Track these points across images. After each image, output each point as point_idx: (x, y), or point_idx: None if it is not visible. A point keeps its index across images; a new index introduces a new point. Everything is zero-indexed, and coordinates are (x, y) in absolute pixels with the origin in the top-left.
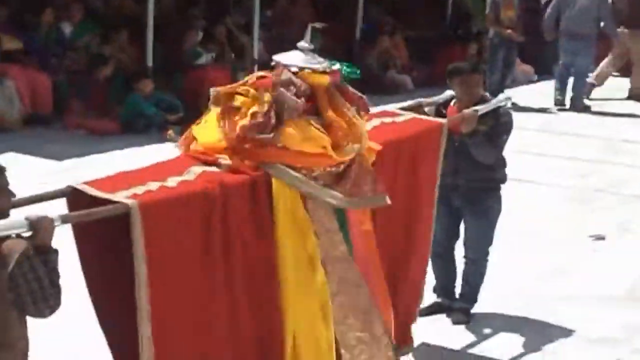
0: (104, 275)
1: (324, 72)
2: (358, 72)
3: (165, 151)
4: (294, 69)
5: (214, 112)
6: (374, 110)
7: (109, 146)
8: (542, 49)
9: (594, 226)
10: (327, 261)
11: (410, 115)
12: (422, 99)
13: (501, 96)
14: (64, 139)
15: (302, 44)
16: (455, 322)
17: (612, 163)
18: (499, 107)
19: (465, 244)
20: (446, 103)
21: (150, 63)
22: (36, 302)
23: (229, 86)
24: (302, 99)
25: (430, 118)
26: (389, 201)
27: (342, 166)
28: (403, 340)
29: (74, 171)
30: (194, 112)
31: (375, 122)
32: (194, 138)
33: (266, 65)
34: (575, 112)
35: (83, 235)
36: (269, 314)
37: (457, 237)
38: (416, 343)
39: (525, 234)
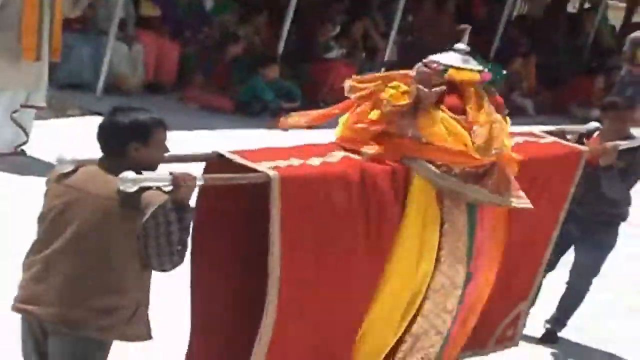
0: (219, 243)
1: (474, 71)
2: (504, 72)
3: (274, 137)
4: (442, 67)
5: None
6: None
7: (219, 124)
8: None
9: None
10: (447, 260)
11: (553, 138)
12: (565, 127)
13: None
14: (178, 110)
15: (458, 45)
16: (541, 340)
17: None
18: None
19: (572, 271)
20: (589, 134)
21: (281, 49)
22: (160, 255)
23: (370, 77)
24: (437, 89)
25: (572, 144)
26: (530, 205)
27: (482, 169)
28: (476, 344)
29: (181, 144)
30: (312, 103)
31: (519, 139)
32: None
33: (395, 69)
34: None
35: (211, 199)
36: (364, 299)
37: (552, 269)
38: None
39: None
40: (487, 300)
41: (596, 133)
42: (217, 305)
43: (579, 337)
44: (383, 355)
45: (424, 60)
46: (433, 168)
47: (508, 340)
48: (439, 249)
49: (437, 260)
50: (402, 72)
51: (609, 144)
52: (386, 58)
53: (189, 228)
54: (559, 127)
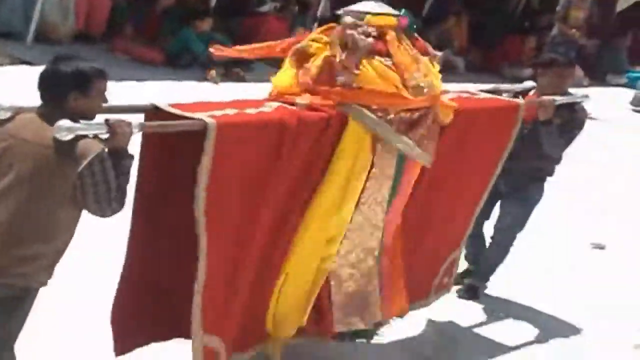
0: (159, 191)
1: (391, 15)
2: (415, 27)
3: (203, 90)
4: (360, 14)
5: (288, 60)
6: None
7: (149, 75)
8: (602, 57)
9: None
10: (367, 201)
11: (489, 95)
12: (500, 85)
13: (580, 92)
14: (107, 60)
15: None
16: (460, 297)
17: None
18: (576, 102)
19: (496, 226)
20: (524, 92)
21: (214, 2)
22: (100, 201)
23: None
24: (371, 39)
25: (509, 98)
26: (429, 164)
27: (416, 114)
28: (417, 295)
29: (109, 95)
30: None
31: (453, 95)
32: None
33: (328, 22)
34: None
35: (151, 148)
36: (288, 235)
37: (488, 218)
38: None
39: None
40: (426, 253)
41: (532, 92)
42: (154, 255)
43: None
44: (304, 305)
45: (343, 10)
46: (369, 113)
47: (444, 287)
48: (363, 190)
49: (359, 201)
50: (327, 26)
51: (546, 98)
52: (319, 13)
53: (128, 175)
54: (494, 85)
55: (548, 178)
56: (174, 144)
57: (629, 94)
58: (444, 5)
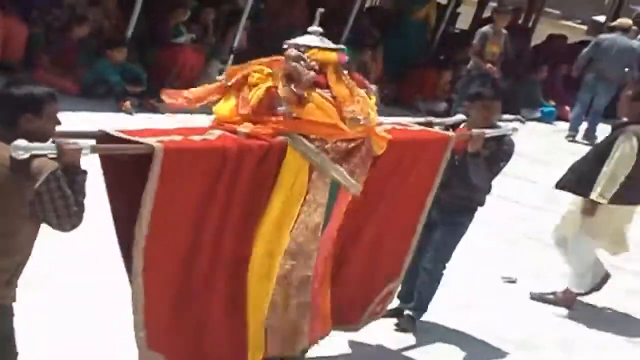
0: (122, 206)
1: (332, 50)
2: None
3: (118, 121)
4: (303, 48)
5: (230, 90)
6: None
7: (64, 105)
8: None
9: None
10: (299, 227)
11: (421, 127)
12: (432, 118)
13: (509, 125)
14: None
15: (312, 27)
16: (400, 329)
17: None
18: (505, 135)
19: (426, 255)
20: (455, 125)
21: (130, 33)
22: (60, 217)
23: (243, 65)
24: (313, 73)
25: (440, 131)
26: (357, 194)
27: (352, 144)
28: (347, 319)
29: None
30: (158, 88)
31: (387, 126)
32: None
33: (243, 55)
34: (588, 141)
35: (110, 170)
36: (238, 261)
37: (424, 248)
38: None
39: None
40: (359, 280)
41: (462, 124)
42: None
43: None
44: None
45: (287, 43)
46: (307, 142)
47: (375, 314)
48: (298, 216)
49: (293, 227)
50: (272, 58)
51: (475, 131)
52: (236, 44)
53: (83, 190)
54: (427, 118)
55: (478, 208)
56: (130, 168)
57: (544, 128)
58: (362, 37)
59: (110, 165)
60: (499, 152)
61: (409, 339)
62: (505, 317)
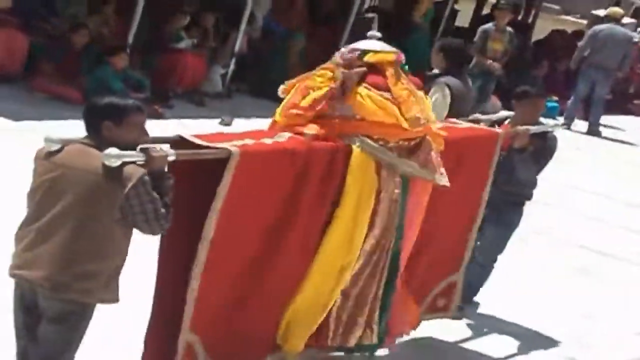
0: (184, 211)
1: (389, 52)
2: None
3: None
4: (358, 52)
5: (290, 94)
6: None
7: (68, 114)
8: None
9: None
10: (379, 225)
11: (469, 124)
12: (478, 115)
13: (552, 122)
14: (26, 99)
15: (371, 32)
16: (453, 316)
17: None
18: (548, 131)
19: (477, 247)
20: (500, 121)
21: (131, 39)
22: (149, 220)
23: (306, 74)
24: (359, 69)
25: (489, 128)
26: (448, 183)
27: (412, 142)
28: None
29: (29, 133)
30: (161, 94)
31: (439, 124)
32: (276, 122)
33: (244, 59)
34: (592, 136)
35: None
36: (305, 259)
37: (478, 243)
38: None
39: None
40: (415, 271)
41: (507, 121)
42: (176, 270)
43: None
44: (313, 323)
45: (344, 48)
46: (372, 142)
47: (441, 310)
48: (374, 214)
49: (372, 224)
50: (329, 63)
51: (521, 127)
52: (236, 49)
53: (169, 191)
54: (474, 115)
55: (527, 202)
56: (198, 172)
57: (547, 123)
58: (361, 38)
59: (181, 167)
60: (544, 147)
61: (460, 326)
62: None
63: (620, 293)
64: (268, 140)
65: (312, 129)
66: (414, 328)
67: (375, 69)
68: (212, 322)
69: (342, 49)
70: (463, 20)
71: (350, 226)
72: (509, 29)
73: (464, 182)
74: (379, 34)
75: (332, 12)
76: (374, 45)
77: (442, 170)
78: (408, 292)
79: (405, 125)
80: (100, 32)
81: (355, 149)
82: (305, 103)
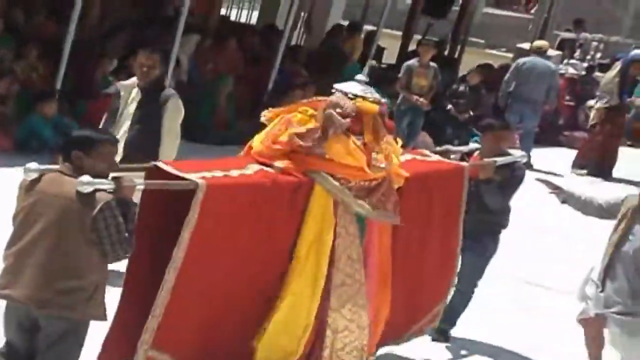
0: (151, 239)
1: (374, 102)
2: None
3: None
4: (350, 95)
5: (271, 125)
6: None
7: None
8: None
9: None
10: (341, 258)
11: (437, 157)
12: (449, 146)
13: (518, 152)
14: None
15: (359, 76)
16: (434, 340)
17: None
18: (515, 162)
19: (458, 275)
20: (470, 153)
21: (59, 85)
22: (113, 244)
23: (284, 108)
24: (348, 120)
25: (454, 162)
26: (398, 221)
27: (373, 183)
28: (389, 339)
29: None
30: None
31: (409, 156)
32: (252, 147)
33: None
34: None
35: (147, 204)
36: (269, 293)
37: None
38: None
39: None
40: (410, 303)
41: (476, 152)
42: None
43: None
44: (294, 352)
45: (335, 87)
46: (333, 180)
47: (420, 332)
48: (333, 249)
49: (333, 260)
50: (315, 99)
51: (487, 160)
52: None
53: (133, 219)
54: (445, 146)
55: (502, 230)
56: (170, 200)
57: (514, 153)
58: (290, 77)
59: (152, 194)
60: (511, 177)
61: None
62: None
63: (557, 324)
64: (236, 172)
65: (281, 163)
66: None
67: (356, 114)
68: (182, 340)
69: (337, 93)
70: (390, 57)
71: (311, 254)
72: (432, 64)
73: (439, 214)
74: (365, 79)
75: (259, 53)
76: (362, 91)
77: (397, 209)
78: (379, 322)
79: (368, 170)
80: (29, 77)
81: (317, 185)
82: (284, 138)
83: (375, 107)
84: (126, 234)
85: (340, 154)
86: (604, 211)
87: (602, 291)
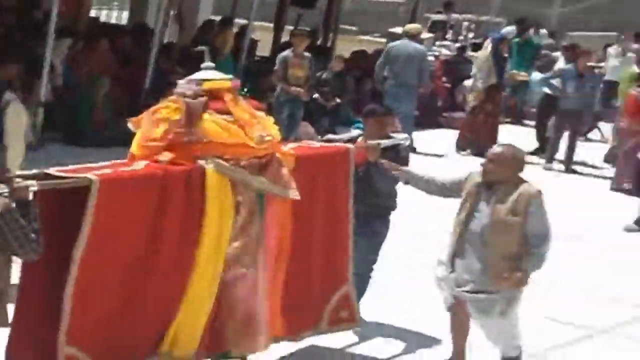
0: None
1: (225, 80)
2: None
3: None
4: (197, 82)
5: (142, 127)
6: None
7: None
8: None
9: None
10: (242, 236)
11: (321, 143)
12: (331, 135)
13: (401, 135)
14: None
15: (205, 64)
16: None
17: None
18: (399, 143)
19: (355, 259)
20: (352, 140)
21: None
22: (22, 245)
23: (153, 108)
24: (204, 97)
25: (339, 145)
26: (298, 196)
27: (263, 159)
28: (299, 327)
29: None
30: None
31: (292, 145)
32: (133, 155)
33: (52, 107)
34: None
35: (45, 205)
36: (179, 275)
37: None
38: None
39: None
40: (305, 287)
41: (360, 138)
42: (41, 282)
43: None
44: (200, 333)
45: (183, 81)
46: (223, 162)
47: (346, 321)
48: (235, 225)
49: (235, 237)
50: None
51: (370, 142)
52: (42, 98)
53: (36, 219)
54: (327, 136)
55: (391, 212)
56: (65, 201)
57: (397, 136)
58: (165, 77)
59: (46, 198)
60: (397, 159)
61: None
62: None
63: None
64: (126, 169)
65: (166, 156)
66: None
67: (214, 96)
68: (92, 333)
69: (181, 82)
70: (265, 49)
71: (215, 239)
72: (307, 54)
73: (327, 197)
74: (212, 64)
75: (132, 53)
76: (210, 75)
77: (293, 185)
78: (275, 298)
79: (251, 143)
80: None
81: (209, 169)
82: (157, 134)
83: (227, 82)
84: (32, 235)
85: (217, 133)
86: (447, 189)
87: (452, 271)
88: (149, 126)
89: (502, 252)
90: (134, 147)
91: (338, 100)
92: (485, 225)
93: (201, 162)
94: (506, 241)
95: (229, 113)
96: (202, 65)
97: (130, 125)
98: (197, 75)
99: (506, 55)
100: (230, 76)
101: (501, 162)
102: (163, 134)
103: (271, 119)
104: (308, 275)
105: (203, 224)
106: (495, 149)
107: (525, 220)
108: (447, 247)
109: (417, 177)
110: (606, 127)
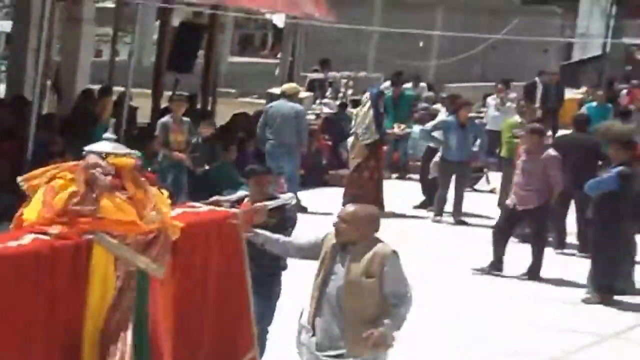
0: None
1: (127, 156)
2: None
3: None
4: (103, 155)
5: (38, 194)
6: None
7: None
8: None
9: None
10: (114, 312)
11: (208, 207)
12: (218, 197)
13: (287, 195)
14: None
15: (107, 135)
16: None
17: None
18: (286, 204)
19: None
20: (239, 201)
21: None
22: None
23: (44, 169)
24: (109, 177)
25: (225, 209)
26: (161, 277)
27: (150, 236)
28: None
29: None
30: None
31: (179, 210)
32: (24, 219)
33: None
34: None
35: None
36: (67, 351)
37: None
38: None
39: None
40: (214, 354)
41: (246, 199)
42: None
43: None
44: None
45: (86, 149)
46: (110, 239)
47: None
48: (114, 303)
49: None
50: (70, 163)
51: (257, 204)
52: None
53: None
54: (214, 198)
55: (282, 272)
56: None
57: (283, 197)
58: (46, 147)
59: None
60: (284, 219)
61: None
62: None
63: None
64: (13, 243)
65: (55, 229)
66: None
67: (115, 170)
68: None
69: (89, 155)
70: (145, 116)
71: (98, 315)
72: (186, 119)
73: (223, 262)
74: (114, 136)
75: (11, 125)
76: (113, 148)
77: (164, 262)
78: None
79: (140, 223)
80: None
81: (96, 245)
82: (56, 204)
83: (130, 161)
84: None
85: (111, 211)
86: (304, 251)
87: (313, 335)
88: (49, 193)
89: (360, 315)
90: (29, 213)
91: (207, 167)
92: (340, 287)
93: (89, 236)
94: (363, 304)
95: (123, 189)
96: (104, 136)
97: (23, 186)
98: (102, 148)
99: (382, 110)
100: (131, 151)
101: (354, 222)
102: (63, 205)
103: (165, 194)
104: (214, 344)
105: (87, 300)
106: (348, 208)
107: (381, 280)
108: (305, 312)
109: (272, 240)
110: (493, 176)
